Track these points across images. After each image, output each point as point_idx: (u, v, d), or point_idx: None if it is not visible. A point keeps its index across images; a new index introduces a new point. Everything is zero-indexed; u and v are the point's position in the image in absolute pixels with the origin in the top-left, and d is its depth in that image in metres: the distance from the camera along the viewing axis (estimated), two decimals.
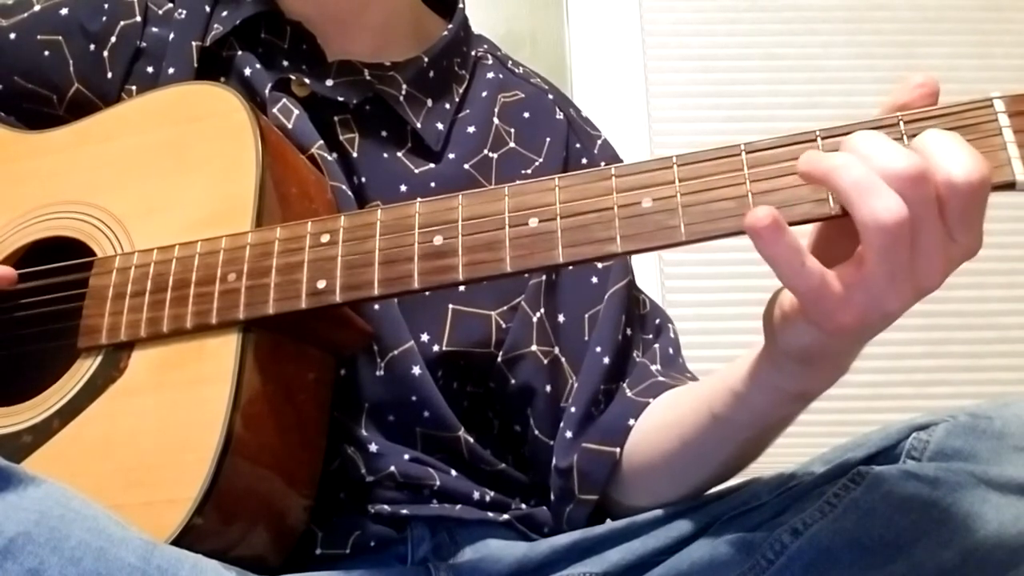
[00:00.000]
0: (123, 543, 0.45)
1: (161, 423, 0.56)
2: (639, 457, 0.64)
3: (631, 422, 0.65)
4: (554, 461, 0.66)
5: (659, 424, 0.63)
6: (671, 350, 0.72)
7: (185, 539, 0.52)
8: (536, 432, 0.68)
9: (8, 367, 0.65)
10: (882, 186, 0.42)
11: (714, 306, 1.49)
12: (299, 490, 0.60)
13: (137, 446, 0.56)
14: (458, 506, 0.65)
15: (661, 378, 0.68)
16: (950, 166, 0.42)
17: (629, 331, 0.71)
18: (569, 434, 0.66)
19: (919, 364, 1.49)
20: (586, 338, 0.70)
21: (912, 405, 1.40)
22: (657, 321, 0.74)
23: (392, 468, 0.64)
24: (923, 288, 0.44)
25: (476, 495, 0.66)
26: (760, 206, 0.44)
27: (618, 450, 0.64)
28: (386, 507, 0.63)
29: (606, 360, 0.68)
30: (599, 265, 0.72)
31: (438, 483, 0.65)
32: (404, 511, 0.64)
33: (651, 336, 0.73)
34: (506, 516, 0.67)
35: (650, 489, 0.63)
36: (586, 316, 0.70)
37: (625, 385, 0.68)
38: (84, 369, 0.60)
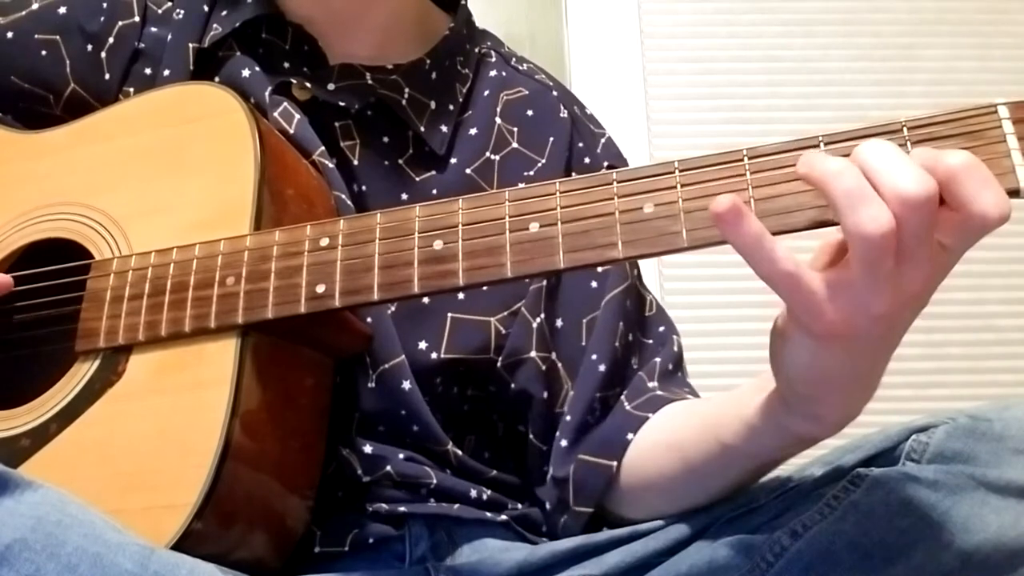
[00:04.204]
0: (120, 548, 0.45)
1: (160, 427, 0.56)
2: (637, 474, 0.63)
3: (629, 436, 0.64)
4: (550, 470, 0.66)
5: (660, 443, 0.63)
6: (671, 365, 0.71)
7: (184, 544, 0.52)
8: (532, 437, 0.68)
9: (5, 370, 0.65)
10: (872, 196, 0.42)
11: (713, 308, 1.49)
12: (299, 494, 0.60)
13: (135, 450, 0.56)
14: (456, 505, 0.65)
15: (660, 392, 0.67)
16: (987, 204, 0.42)
17: (630, 337, 0.70)
18: (564, 443, 0.66)
19: (918, 366, 1.49)
20: (583, 344, 0.69)
21: (911, 407, 1.39)
22: (661, 328, 0.73)
23: (388, 468, 0.64)
24: (908, 293, 0.44)
25: (473, 493, 0.66)
26: (722, 195, 0.44)
27: (615, 464, 0.64)
28: (384, 505, 0.63)
29: (602, 368, 0.68)
30: (599, 269, 0.71)
31: (435, 481, 0.65)
32: (402, 509, 0.64)
33: (652, 342, 0.72)
34: (504, 516, 0.67)
35: (647, 505, 0.63)
36: (584, 321, 0.70)
37: (623, 398, 0.67)
38: (82, 372, 0.59)
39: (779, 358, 0.49)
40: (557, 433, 0.67)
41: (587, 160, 0.76)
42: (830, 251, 0.47)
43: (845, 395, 0.49)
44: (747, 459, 0.56)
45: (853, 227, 0.42)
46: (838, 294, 0.44)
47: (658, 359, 0.71)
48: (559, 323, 0.70)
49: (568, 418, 0.66)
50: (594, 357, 0.68)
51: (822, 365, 0.47)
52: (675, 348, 0.72)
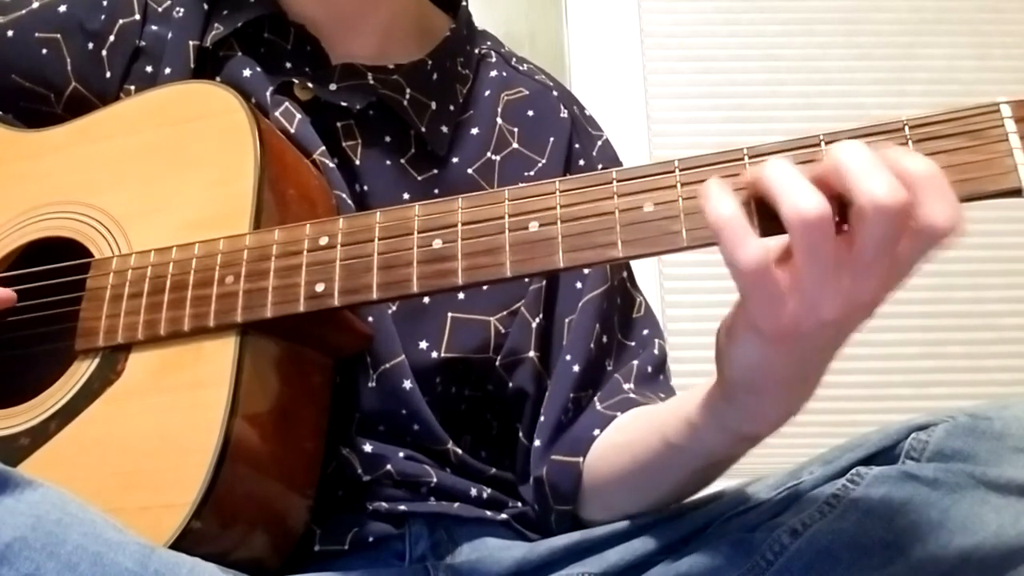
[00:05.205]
0: (120, 547, 0.45)
1: (159, 426, 0.56)
2: (597, 471, 0.64)
3: (596, 432, 0.65)
4: (531, 469, 0.67)
5: (617, 442, 0.64)
6: (650, 368, 0.71)
7: (183, 543, 0.52)
8: (521, 436, 0.69)
9: (5, 369, 0.65)
10: (803, 181, 0.43)
11: (713, 307, 1.49)
12: (298, 493, 0.60)
13: (135, 449, 0.56)
14: (456, 504, 0.66)
15: (632, 395, 0.67)
16: (935, 215, 0.42)
17: (605, 339, 0.70)
18: (538, 443, 0.66)
19: (917, 364, 1.49)
20: (564, 343, 0.69)
21: (910, 406, 1.40)
22: (645, 332, 0.73)
23: (388, 467, 0.64)
24: (859, 302, 0.44)
25: (473, 492, 0.66)
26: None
27: (581, 459, 0.64)
28: (384, 504, 0.64)
29: (576, 368, 0.68)
30: (585, 271, 0.71)
31: (435, 480, 0.65)
32: (402, 507, 0.64)
33: (633, 344, 0.72)
34: (504, 515, 0.67)
35: (607, 503, 0.63)
36: (567, 321, 0.70)
37: (596, 398, 0.68)
38: (81, 371, 0.59)
39: (726, 356, 0.49)
40: (535, 433, 0.67)
41: (582, 162, 0.76)
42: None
43: (787, 394, 0.49)
44: (692, 458, 0.56)
45: (789, 211, 0.42)
46: (791, 292, 0.44)
47: (636, 362, 0.71)
48: (546, 323, 0.70)
49: (543, 418, 0.67)
50: (568, 358, 0.68)
51: (769, 365, 0.47)
52: (656, 351, 0.72)
